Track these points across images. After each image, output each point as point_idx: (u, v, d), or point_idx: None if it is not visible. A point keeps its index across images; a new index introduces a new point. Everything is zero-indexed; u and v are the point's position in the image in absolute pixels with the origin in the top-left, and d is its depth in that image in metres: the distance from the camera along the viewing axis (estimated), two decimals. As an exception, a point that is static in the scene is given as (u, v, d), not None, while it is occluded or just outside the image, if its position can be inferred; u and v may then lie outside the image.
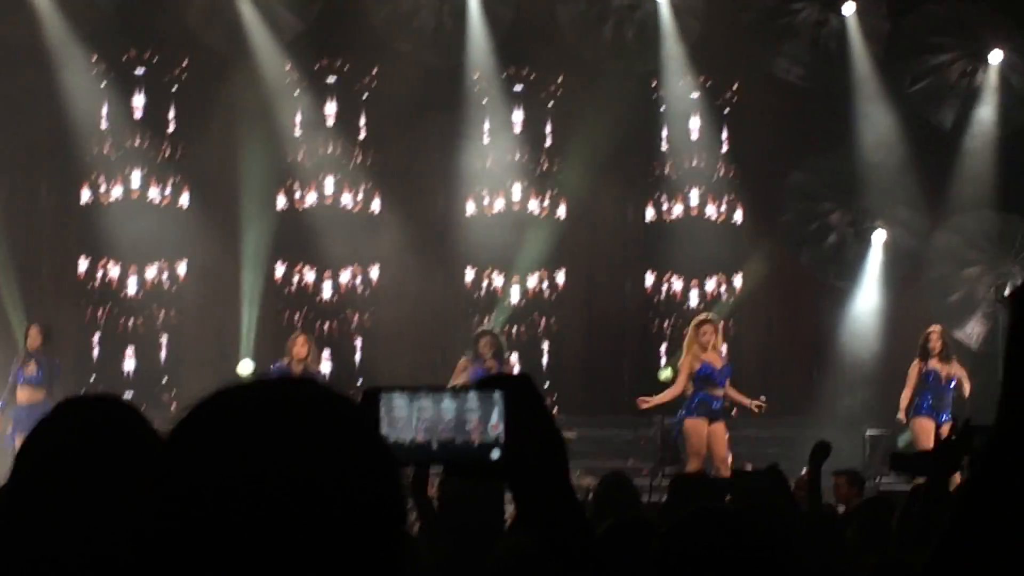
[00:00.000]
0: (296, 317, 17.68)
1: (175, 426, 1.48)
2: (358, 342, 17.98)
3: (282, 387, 1.50)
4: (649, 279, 18.36)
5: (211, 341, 17.46)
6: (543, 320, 18.12)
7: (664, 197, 18.40)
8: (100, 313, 17.53)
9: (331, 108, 17.93)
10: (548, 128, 18.17)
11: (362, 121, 18.00)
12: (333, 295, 17.94)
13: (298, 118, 17.77)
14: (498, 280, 18.01)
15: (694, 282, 18.34)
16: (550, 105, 18.12)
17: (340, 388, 1.51)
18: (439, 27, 17.44)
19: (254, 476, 1.41)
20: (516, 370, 16.33)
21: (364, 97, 17.94)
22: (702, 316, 14.79)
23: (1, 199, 17.25)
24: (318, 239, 17.75)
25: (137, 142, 17.57)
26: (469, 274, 18.01)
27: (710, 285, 18.34)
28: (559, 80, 18.05)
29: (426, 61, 17.39)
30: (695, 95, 18.19)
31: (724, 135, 18.38)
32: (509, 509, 5.74)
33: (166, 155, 17.64)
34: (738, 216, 18.39)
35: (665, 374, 16.97)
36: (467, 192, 17.95)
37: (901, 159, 17.76)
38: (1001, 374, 1.76)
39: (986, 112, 17.78)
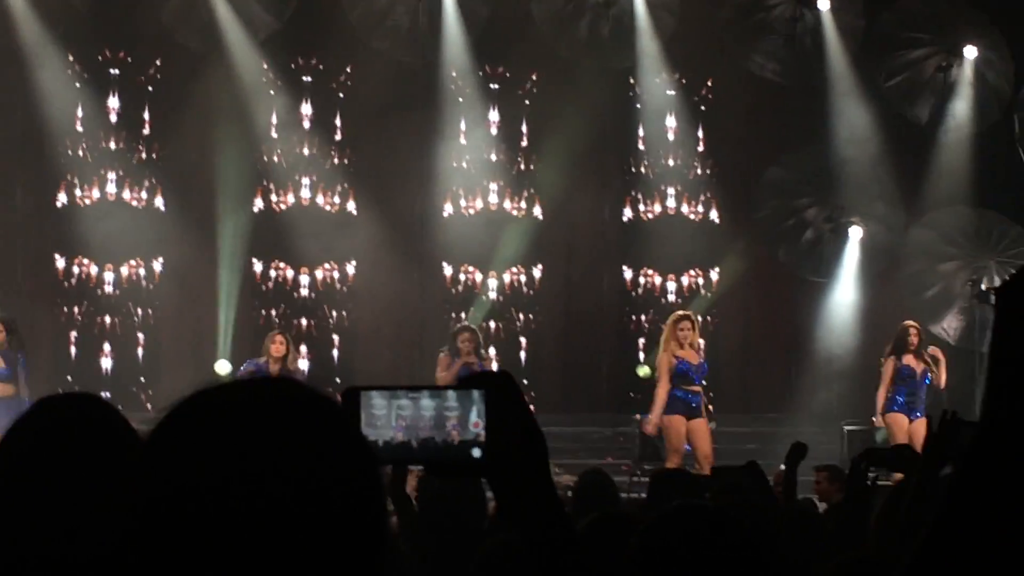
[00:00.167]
0: (273, 315, 17.66)
1: (155, 426, 1.48)
2: (335, 340, 17.96)
3: (262, 387, 1.50)
4: (627, 276, 18.37)
5: (188, 340, 17.44)
6: (520, 317, 18.12)
7: (641, 195, 18.41)
8: (77, 312, 17.47)
9: (307, 107, 17.90)
10: (524, 127, 18.17)
11: (337, 120, 17.98)
12: (310, 293, 17.91)
13: (274, 117, 17.74)
14: (475, 278, 18.01)
15: (671, 278, 18.35)
16: (526, 103, 18.12)
17: (320, 387, 1.51)
18: (414, 25, 17.42)
19: (234, 475, 1.41)
20: (495, 366, 16.35)
21: (340, 96, 17.91)
22: (680, 312, 14.80)
23: (-25, 199, 17.21)
24: (295, 238, 17.72)
25: (112, 142, 17.51)
26: (446, 272, 18.00)
27: (687, 281, 18.36)
28: (535, 77, 18.06)
29: (401, 59, 17.38)
30: (671, 91, 18.21)
31: (700, 132, 18.41)
32: (490, 505, 5.74)
33: (141, 155, 17.59)
34: (715, 213, 18.41)
35: (643, 371, 16.99)
36: (444, 191, 17.94)
37: (877, 155, 17.81)
38: (979, 368, 1.76)
39: (961, 108, 17.84)
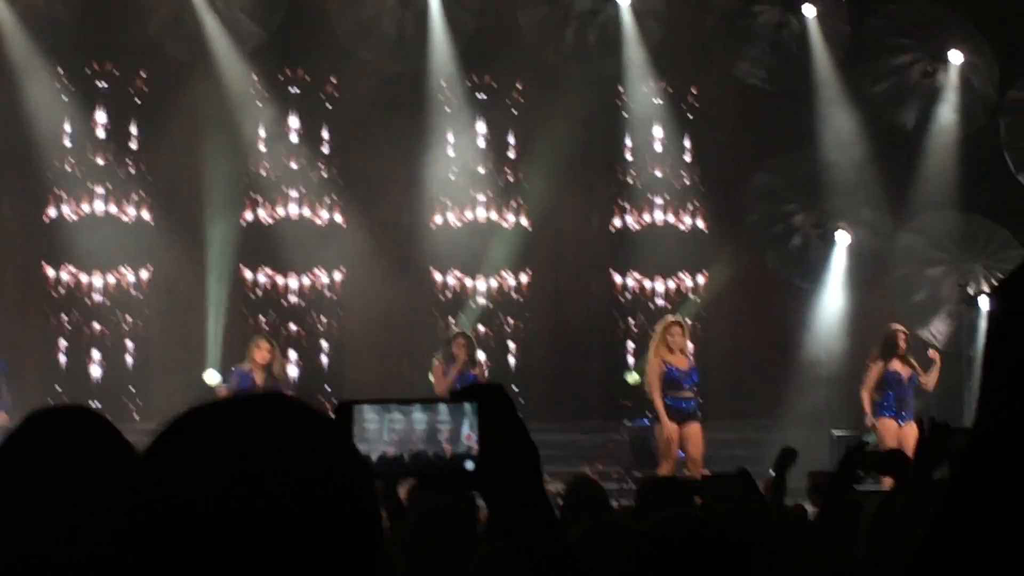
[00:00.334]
0: (263, 322, 17.64)
1: (152, 441, 1.49)
2: (324, 347, 17.94)
3: (257, 402, 1.51)
4: (615, 283, 18.38)
5: (177, 350, 17.42)
6: (509, 325, 18.12)
7: (628, 202, 18.42)
8: (66, 322, 17.45)
9: (294, 118, 17.90)
10: (511, 136, 18.17)
11: (325, 130, 17.98)
12: (299, 301, 17.90)
13: (261, 128, 17.74)
14: (463, 284, 18.01)
15: (660, 284, 18.36)
16: (514, 112, 18.13)
17: (313, 402, 1.52)
18: (401, 35, 17.43)
19: (229, 490, 1.42)
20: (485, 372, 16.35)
21: (327, 106, 17.92)
22: (670, 317, 14.80)
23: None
24: (283, 249, 17.72)
25: (100, 153, 17.50)
26: (434, 280, 18.00)
27: (676, 286, 18.37)
28: (522, 86, 18.06)
29: (389, 69, 17.39)
30: (657, 99, 18.22)
31: (687, 139, 18.43)
32: (481, 512, 5.74)
33: (129, 166, 17.58)
34: (703, 218, 18.43)
35: (632, 378, 17.01)
36: (431, 201, 17.93)
37: (863, 160, 17.84)
38: (967, 372, 1.77)
39: (947, 112, 17.88)
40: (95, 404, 15.56)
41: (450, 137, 17.97)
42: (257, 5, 17.14)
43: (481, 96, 18.06)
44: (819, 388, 17.39)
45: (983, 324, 15.65)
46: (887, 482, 9.00)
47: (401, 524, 5.47)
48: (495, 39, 17.53)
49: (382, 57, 17.36)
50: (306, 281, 17.90)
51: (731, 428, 16.01)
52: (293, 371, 17.18)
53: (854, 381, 15.17)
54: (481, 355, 16.99)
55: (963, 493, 1.70)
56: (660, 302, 18.25)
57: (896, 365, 14.59)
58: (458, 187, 18.00)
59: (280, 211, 17.80)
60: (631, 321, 18.29)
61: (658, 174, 18.35)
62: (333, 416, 1.80)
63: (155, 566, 1.43)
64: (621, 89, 18.13)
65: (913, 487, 3.90)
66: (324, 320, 17.92)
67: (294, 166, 17.84)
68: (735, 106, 17.93)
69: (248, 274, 17.74)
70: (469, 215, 18.04)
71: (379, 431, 1.85)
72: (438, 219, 17.95)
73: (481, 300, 17.94)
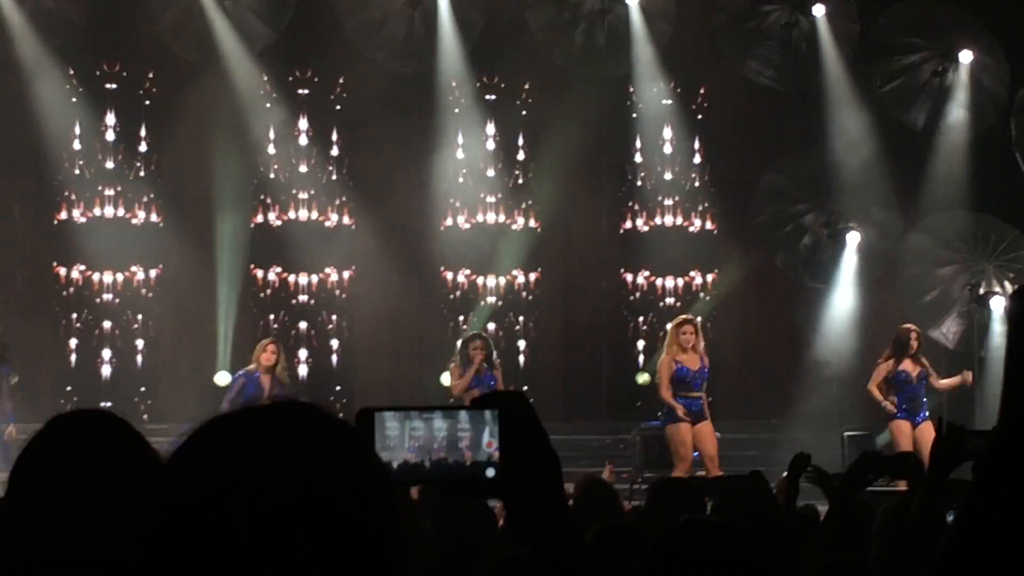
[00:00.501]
0: (272, 322, 17.68)
1: (175, 448, 1.50)
2: (334, 346, 17.96)
3: (281, 409, 1.52)
4: (625, 284, 18.38)
5: (187, 350, 17.45)
6: (519, 325, 18.12)
7: (638, 203, 18.43)
8: (76, 323, 17.48)
9: (303, 118, 17.92)
10: (520, 137, 18.18)
11: (334, 131, 18.00)
12: (309, 300, 17.93)
13: (270, 129, 17.76)
14: (473, 287, 18.03)
15: (670, 284, 18.37)
16: (523, 114, 18.13)
17: (335, 410, 1.53)
18: (410, 35, 17.43)
19: (252, 493, 1.43)
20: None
21: (336, 107, 17.94)
22: (683, 316, 14.78)
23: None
24: (292, 249, 17.76)
25: (110, 154, 17.53)
26: (444, 282, 18.01)
27: (686, 289, 18.38)
28: (531, 86, 18.07)
29: (397, 69, 17.39)
30: (667, 99, 18.22)
31: (697, 138, 18.43)
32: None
33: (138, 167, 17.61)
34: (712, 219, 18.43)
35: (643, 378, 17.02)
36: (441, 202, 17.94)
37: (873, 160, 17.82)
38: (977, 372, 1.76)
39: (957, 112, 17.85)
40: (105, 404, 15.60)
41: (459, 139, 17.98)
42: (266, 5, 17.15)
43: (490, 97, 18.06)
44: (829, 388, 17.38)
45: (994, 324, 15.63)
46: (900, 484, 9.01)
47: (413, 527, 5.46)
48: (504, 39, 17.53)
49: (390, 57, 17.35)
50: (316, 285, 17.91)
51: (741, 428, 16.01)
52: (303, 370, 17.21)
53: (864, 381, 15.17)
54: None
55: (986, 495, 1.69)
56: (670, 300, 18.26)
57: (906, 365, 14.58)
58: (467, 189, 18.02)
59: (289, 212, 17.82)
60: (640, 318, 18.30)
61: (667, 174, 18.36)
62: (354, 423, 1.81)
63: (176, 569, 1.43)
64: (632, 89, 18.12)
65: (928, 489, 3.89)
66: (334, 318, 17.94)
67: (303, 167, 17.86)
68: (744, 106, 17.92)
69: (258, 274, 17.77)
70: (478, 217, 18.05)
71: (400, 438, 1.85)
72: (447, 220, 17.96)
73: (491, 299, 17.94)
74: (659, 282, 18.40)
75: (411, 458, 1.85)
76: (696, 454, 13.89)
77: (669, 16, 17.63)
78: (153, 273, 17.58)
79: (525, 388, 17.07)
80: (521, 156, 18.18)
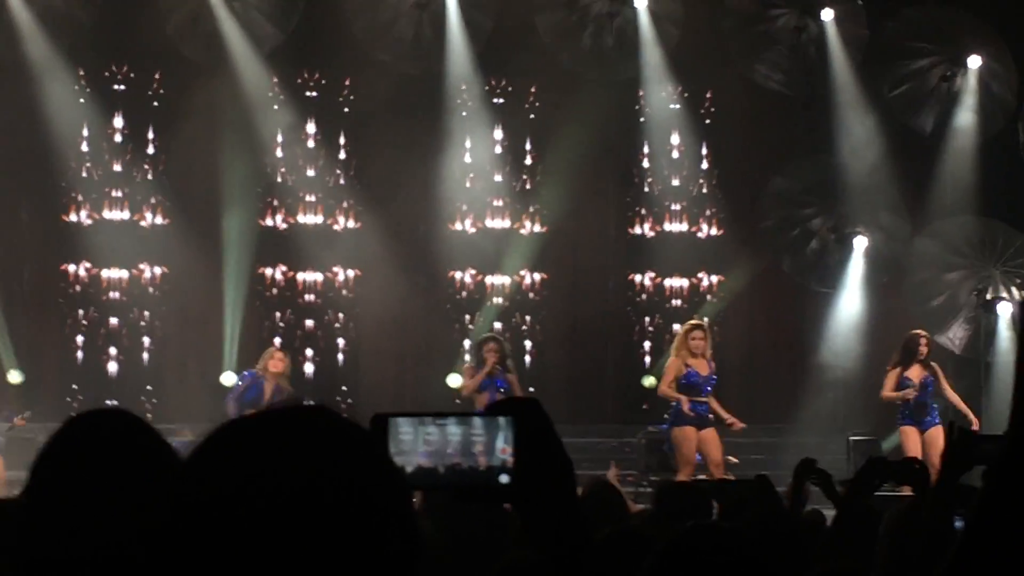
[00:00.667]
0: (278, 319, 17.70)
1: (192, 451, 1.51)
2: (340, 345, 17.97)
3: (297, 413, 1.53)
4: (632, 287, 18.39)
5: (193, 349, 17.47)
6: (525, 328, 18.12)
7: (645, 206, 18.43)
8: (82, 322, 17.50)
9: (311, 120, 17.93)
10: (528, 140, 18.18)
11: (342, 133, 18.01)
12: (316, 299, 17.95)
13: (278, 131, 17.78)
14: (480, 287, 18.03)
15: (676, 288, 18.37)
16: (531, 117, 18.14)
17: (351, 415, 1.54)
18: (418, 37, 17.43)
19: (268, 496, 1.44)
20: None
21: (344, 109, 17.95)
22: (693, 321, 14.77)
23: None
24: (298, 252, 17.77)
25: (118, 154, 17.55)
26: (450, 282, 18.02)
27: (693, 292, 18.39)
28: (539, 89, 18.07)
29: (405, 71, 17.39)
30: (675, 102, 18.22)
31: (704, 142, 18.43)
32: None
33: (146, 168, 17.63)
34: (720, 223, 18.43)
35: (649, 381, 17.02)
36: (448, 205, 17.95)
37: (881, 165, 17.81)
38: (984, 378, 1.77)
39: (966, 117, 17.83)
40: (111, 403, 15.62)
41: (467, 143, 17.99)
42: (274, 6, 17.16)
43: (498, 100, 18.07)
44: (835, 392, 17.38)
45: (1001, 330, 15.59)
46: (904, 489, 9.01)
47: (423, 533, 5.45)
48: (512, 42, 17.52)
49: (398, 58, 17.35)
50: (323, 286, 17.93)
51: (747, 432, 15.99)
52: (309, 368, 17.23)
53: (871, 385, 15.17)
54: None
55: (997, 500, 1.70)
56: (676, 302, 18.27)
57: (912, 373, 14.58)
58: (474, 192, 18.02)
59: (296, 215, 17.83)
60: (646, 318, 18.31)
61: (674, 178, 18.35)
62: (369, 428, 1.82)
63: (190, 569, 1.44)
64: (642, 93, 18.12)
65: (938, 493, 3.90)
66: (339, 323, 17.95)
67: (310, 169, 17.87)
68: (752, 110, 17.91)
69: (264, 274, 17.79)
70: (485, 221, 18.05)
71: (414, 443, 1.86)
72: (453, 225, 17.97)
73: (498, 299, 17.94)
74: (665, 285, 18.40)
75: (425, 463, 1.86)
76: (699, 458, 13.89)
77: (677, 20, 17.62)
78: (159, 271, 17.60)
79: (531, 390, 17.09)
80: (528, 161, 18.18)
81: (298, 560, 1.43)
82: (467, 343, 17.38)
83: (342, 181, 17.90)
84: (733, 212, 18.31)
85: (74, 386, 17.17)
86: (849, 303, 17.88)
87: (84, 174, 17.45)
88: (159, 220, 17.62)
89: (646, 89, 18.08)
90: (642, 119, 18.30)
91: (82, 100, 17.33)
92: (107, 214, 17.50)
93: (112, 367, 17.54)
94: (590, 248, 18.30)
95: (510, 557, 3.87)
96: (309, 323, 17.89)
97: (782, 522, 5.38)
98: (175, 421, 13.28)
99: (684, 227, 18.44)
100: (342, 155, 18.01)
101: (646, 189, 18.44)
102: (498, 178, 18.07)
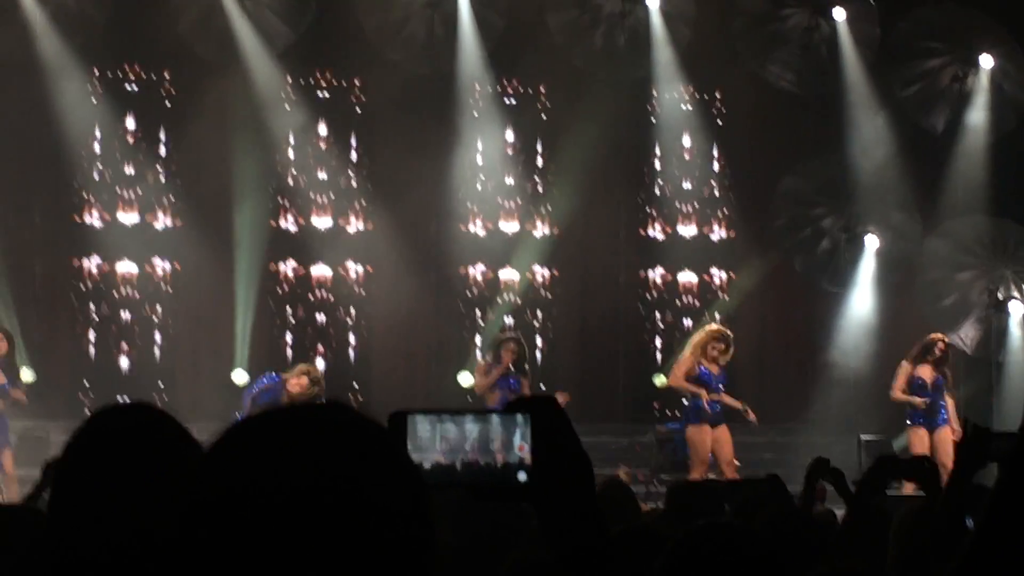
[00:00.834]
0: (289, 315, 17.73)
1: (215, 441, 1.53)
2: (352, 341, 17.98)
3: (317, 410, 1.54)
4: (643, 285, 18.38)
5: (205, 346, 17.48)
6: (536, 325, 18.13)
7: (657, 206, 18.42)
8: (94, 318, 17.53)
9: (323, 120, 17.93)
10: (539, 140, 18.18)
11: (353, 133, 18.02)
12: (327, 296, 17.96)
13: (290, 131, 17.79)
14: (491, 286, 18.04)
15: (687, 284, 18.37)
16: (543, 117, 18.14)
17: (369, 413, 1.55)
18: (429, 37, 17.44)
19: (286, 491, 1.45)
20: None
21: (355, 109, 17.96)
22: (717, 328, 14.73)
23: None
24: (310, 252, 17.79)
25: (130, 154, 17.57)
26: (461, 280, 18.03)
27: (704, 289, 18.38)
28: (550, 88, 18.07)
29: (416, 70, 17.39)
30: (686, 102, 18.21)
31: (716, 142, 18.42)
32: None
33: (158, 167, 17.65)
34: (731, 222, 18.42)
35: (660, 380, 17.01)
36: (459, 209, 17.95)
37: (893, 164, 17.80)
38: (995, 378, 1.78)
39: (977, 117, 17.81)
40: (122, 399, 15.63)
41: (479, 144, 17.99)
42: (286, 5, 17.17)
43: (509, 101, 18.07)
44: (847, 392, 17.36)
45: (1012, 329, 15.57)
46: (908, 487, 9.00)
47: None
48: (523, 41, 17.52)
49: (410, 58, 17.35)
50: (335, 285, 17.94)
51: (757, 431, 16.00)
52: (320, 364, 17.27)
53: (882, 385, 15.16)
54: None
55: (1011, 496, 1.71)
56: (688, 298, 18.27)
57: (924, 371, 14.57)
58: (485, 193, 18.02)
59: (308, 216, 17.84)
60: (657, 317, 18.31)
61: (686, 179, 18.35)
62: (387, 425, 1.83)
63: (208, 564, 1.45)
64: (655, 93, 18.11)
65: (951, 490, 3.90)
66: (351, 322, 17.96)
67: (322, 172, 17.87)
68: (763, 109, 17.90)
69: (276, 271, 17.80)
70: (496, 222, 18.04)
71: (431, 440, 1.87)
72: (464, 226, 17.96)
73: (509, 295, 17.94)
74: (679, 286, 18.38)
75: (442, 459, 1.87)
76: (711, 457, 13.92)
77: (689, 19, 17.62)
78: (171, 268, 17.62)
79: (541, 387, 17.10)
80: (540, 162, 18.18)
81: (314, 556, 1.44)
82: (479, 340, 17.39)
83: (353, 183, 17.90)
84: (744, 212, 18.30)
85: (86, 383, 17.20)
86: (860, 303, 17.87)
87: (96, 176, 17.46)
88: (171, 216, 17.62)
89: (659, 89, 18.07)
90: (653, 119, 18.29)
91: (94, 100, 17.34)
92: (119, 216, 17.51)
93: (124, 364, 17.56)
94: (601, 250, 18.28)
95: (518, 556, 3.88)
96: (320, 319, 17.90)
97: (794, 521, 5.39)
98: (187, 418, 13.26)
99: (695, 227, 18.42)
100: (353, 155, 18.02)
101: (657, 188, 18.43)
102: (510, 180, 18.06)
